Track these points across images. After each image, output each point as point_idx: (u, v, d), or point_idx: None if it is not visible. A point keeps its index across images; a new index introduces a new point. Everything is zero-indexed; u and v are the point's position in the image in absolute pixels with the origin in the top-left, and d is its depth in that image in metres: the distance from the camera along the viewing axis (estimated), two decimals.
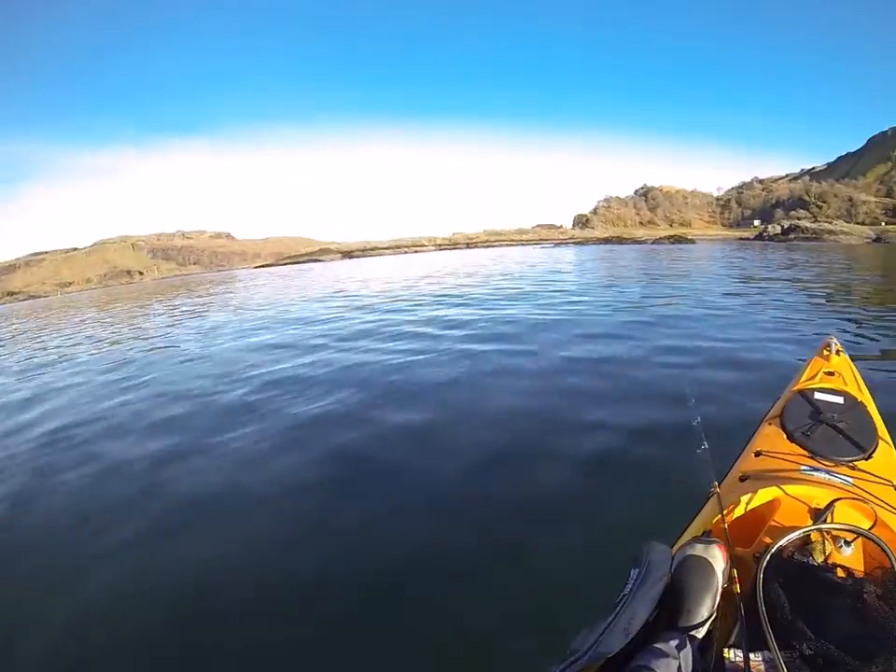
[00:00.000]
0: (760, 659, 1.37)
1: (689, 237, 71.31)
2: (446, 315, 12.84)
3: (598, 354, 7.87)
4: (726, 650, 1.43)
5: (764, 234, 66.15)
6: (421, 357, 8.54)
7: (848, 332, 8.45)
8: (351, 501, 4.03)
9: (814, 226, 62.25)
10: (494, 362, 7.80)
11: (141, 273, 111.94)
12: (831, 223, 63.36)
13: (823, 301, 12.51)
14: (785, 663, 1.31)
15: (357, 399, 6.59)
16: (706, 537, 1.74)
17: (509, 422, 5.32)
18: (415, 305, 15.61)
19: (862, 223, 66.85)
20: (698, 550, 1.61)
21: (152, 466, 5.14)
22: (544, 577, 2.93)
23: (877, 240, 52.65)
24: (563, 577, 2.87)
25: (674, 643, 1.40)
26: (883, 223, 65.74)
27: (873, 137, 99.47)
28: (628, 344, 8.34)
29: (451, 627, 2.69)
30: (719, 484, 2.24)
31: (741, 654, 1.36)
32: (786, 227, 64.96)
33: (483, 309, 13.57)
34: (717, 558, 1.60)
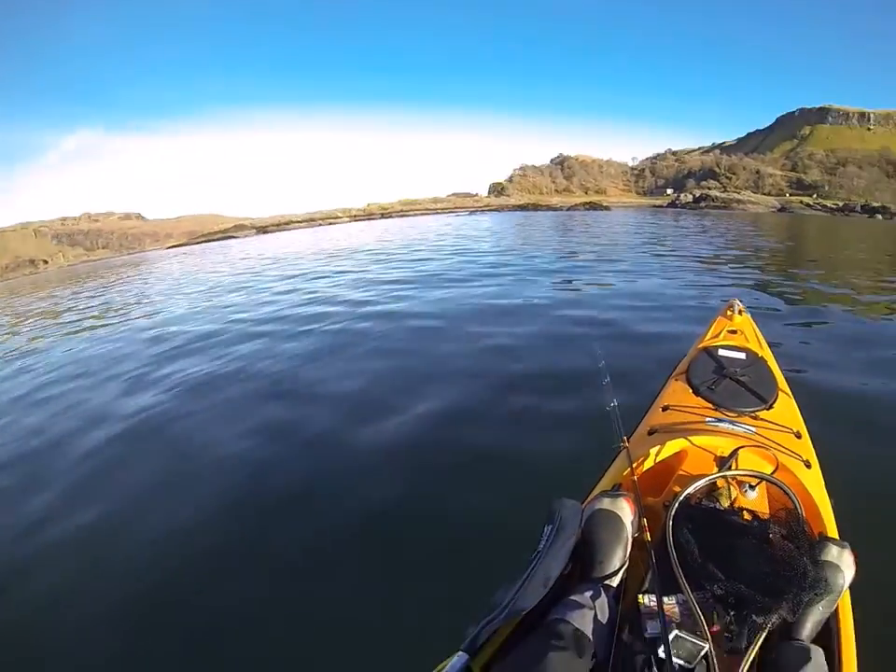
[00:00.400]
0: (674, 602, 1.42)
1: (604, 204, 73.16)
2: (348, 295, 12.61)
3: (510, 319, 7.85)
4: (641, 596, 1.46)
5: (677, 202, 70.01)
6: (335, 325, 8.40)
7: (752, 294, 8.98)
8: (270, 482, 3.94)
9: (723, 195, 66.56)
10: (405, 329, 7.74)
11: (45, 262, 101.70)
12: (739, 193, 67.67)
13: (730, 264, 13.22)
14: (698, 604, 1.36)
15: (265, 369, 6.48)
16: (615, 490, 1.78)
17: (426, 386, 5.32)
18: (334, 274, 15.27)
19: (768, 194, 71.54)
20: (605, 504, 1.66)
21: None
22: (462, 534, 2.98)
23: (782, 210, 57.38)
24: (481, 534, 2.92)
25: (588, 594, 1.45)
26: (787, 195, 70.43)
27: (781, 116, 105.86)
28: (539, 308, 8.45)
29: (371, 583, 2.77)
30: (628, 439, 2.31)
31: (655, 599, 1.39)
32: (697, 196, 69.30)
33: (388, 278, 13.48)
34: (624, 510, 1.65)
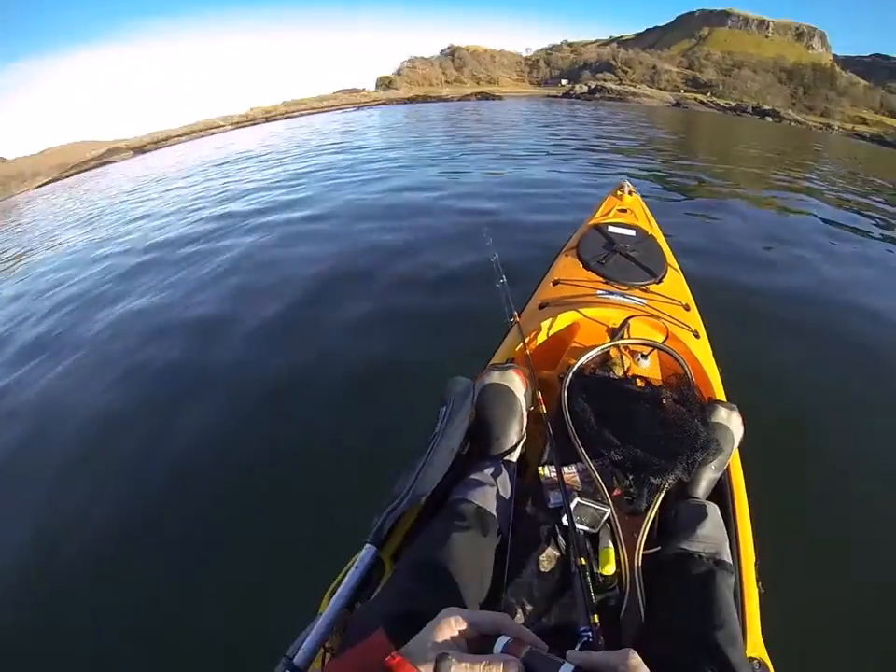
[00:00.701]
0: (573, 471, 1.47)
1: (496, 94, 72.99)
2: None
3: (398, 214, 7.69)
4: (541, 468, 1.49)
5: (571, 93, 70.73)
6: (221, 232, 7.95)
7: (644, 182, 9.31)
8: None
9: (619, 88, 67.87)
10: (285, 230, 7.45)
11: None
12: (635, 87, 69.11)
13: (624, 153, 13.59)
14: (597, 470, 1.41)
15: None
16: (506, 364, 1.72)
17: (317, 285, 5.20)
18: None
19: (664, 89, 73.31)
20: (495, 378, 1.62)
21: None
22: (371, 433, 3.01)
23: (676, 105, 59.53)
24: (387, 428, 2.97)
25: (489, 471, 1.45)
26: (682, 91, 72.53)
27: (682, 16, 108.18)
28: (429, 195, 8.43)
29: (288, 480, 2.83)
30: (519, 314, 2.33)
31: (555, 470, 1.42)
32: (592, 87, 70.17)
33: (272, 179, 13.00)
34: (515, 382, 1.62)
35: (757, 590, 1.37)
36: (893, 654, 1.92)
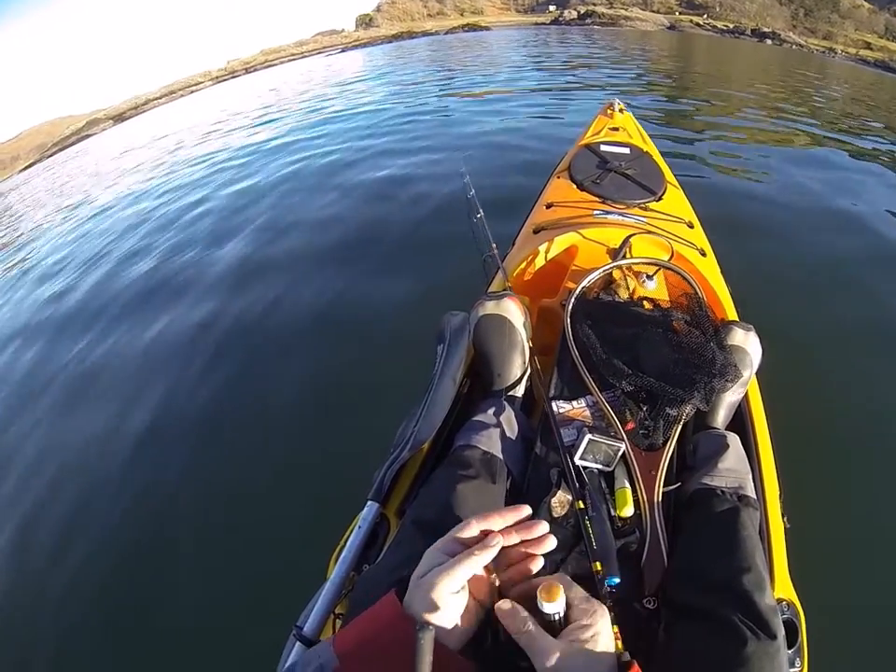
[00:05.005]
0: (583, 405, 1.40)
1: (483, 24, 72.23)
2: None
3: (373, 147, 7.81)
4: (548, 403, 1.40)
5: (560, 19, 69.23)
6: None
7: (636, 97, 9.38)
8: None
9: (610, 12, 66.00)
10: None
11: None
12: (627, 10, 67.02)
13: (616, 76, 13.54)
14: (608, 403, 1.34)
15: None
16: (501, 293, 1.63)
17: (320, 229, 5.14)
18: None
19: (657, 12, 71.27)
20: (490, 308, 1.53)
21: None
22: (375, 379, 2.96)
23: (671, 28, 58.40)
24: (386, 376, 2.88)
25: (492, 411, 1.39)
26: (677, 13, 70.65)
27: None
28: (405, 136, 8.28)
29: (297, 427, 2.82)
30: (497, 246, 2.31)
31: (564, 404, 1.38)
32: (582, 12, 68.37)
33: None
34: (511, 311, 1.53)
35: (783, 525, 1.32)
36: None
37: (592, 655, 0.60)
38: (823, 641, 1.19)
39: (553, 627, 0.62)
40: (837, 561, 1.90)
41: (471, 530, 0.66)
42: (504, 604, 0.65)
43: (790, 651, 1.07)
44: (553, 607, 0.61)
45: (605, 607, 0.65)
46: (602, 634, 0.62)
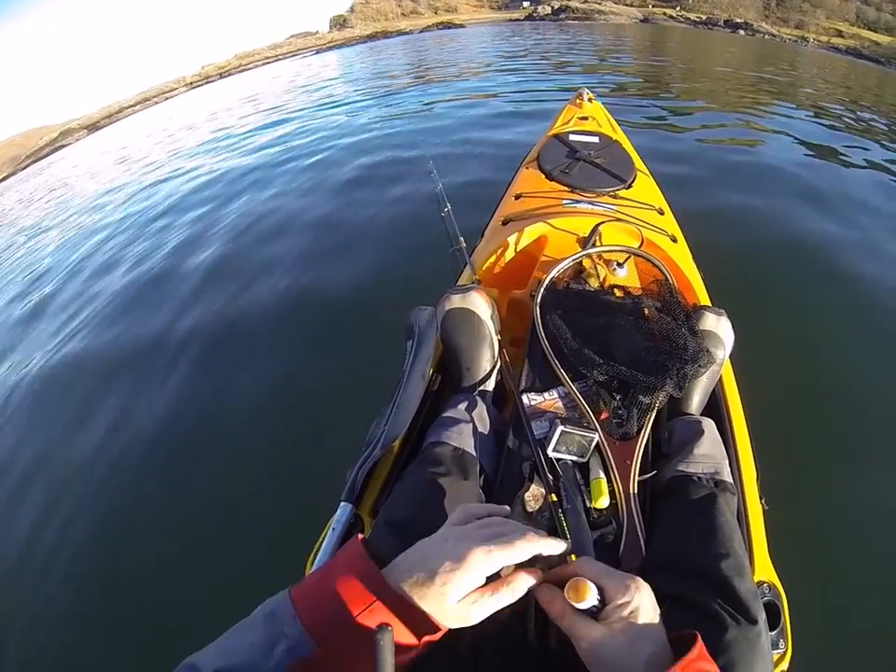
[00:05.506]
0: (555, 396, 1.39)
1: (457, 22, 71.96)
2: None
3: (351, 142, 7.90)
4: (519, 396, 1.39)
5: (535, 15, 69.63)
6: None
7: (605, 88, 9.42)
8: None
9: (584, 6, 66.51)
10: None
11: None
12: (600, 4, 67.63)
13: (590, 70, 13.61)
14: (581, 393, 1.34)
15: None
16: (467, 286, 1.62)
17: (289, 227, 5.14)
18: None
19: (630, 5, 71.73)
20: (456, 301, 1.52)
21: None
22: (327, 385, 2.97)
23: (645, 20, 58.90)
24: (356, 374, 2.89)
25: (462, 406, 1.38)
26: (650, 6, 71.15)
27: None
28: (374, 134, 8.28)
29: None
30: (466, 240, 2.34)
31: (537, 396, 1.38)
32: (556, 7, 68.76)
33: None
34: (478, 304, 1.52)
35: (762, 507, 1.32)
36: None
37: (635, 634, 0.59)
38: (806, 621, 1.19)
39: (594, 614, 0.61)
40: (817, 540, 1.92)
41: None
42: (545, 590, 0.64)
43: (773, 633, 1.07)
44: (585, 604, 0.60)
45: (639, 578, 0.63)
46: (642, 608, 0.60)
